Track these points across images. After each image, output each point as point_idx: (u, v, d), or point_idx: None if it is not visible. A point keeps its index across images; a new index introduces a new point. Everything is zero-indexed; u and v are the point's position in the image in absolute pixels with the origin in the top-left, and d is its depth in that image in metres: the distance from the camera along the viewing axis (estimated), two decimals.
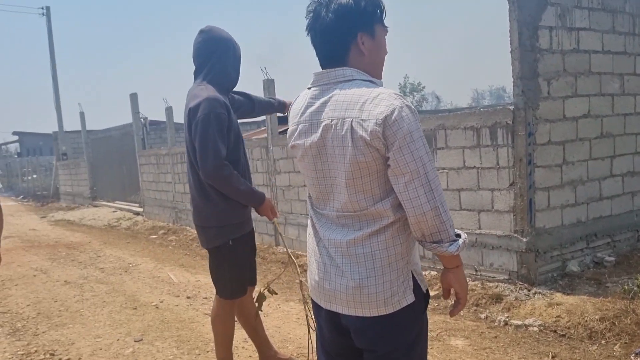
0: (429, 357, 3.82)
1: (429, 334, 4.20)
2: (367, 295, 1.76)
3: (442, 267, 1.86)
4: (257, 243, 8.11)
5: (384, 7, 1.85)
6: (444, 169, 5.48)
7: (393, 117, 1.65)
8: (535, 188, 4.91)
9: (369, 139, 1.67)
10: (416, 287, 1.81)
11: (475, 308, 4.76)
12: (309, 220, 1.97)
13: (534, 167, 4.88)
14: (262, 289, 3.50)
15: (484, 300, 4.81)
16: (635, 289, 3.96)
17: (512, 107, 4.90)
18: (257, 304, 3.47)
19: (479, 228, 5.25)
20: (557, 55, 5.05)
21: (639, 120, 5.84)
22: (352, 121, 1.70)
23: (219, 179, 3.08)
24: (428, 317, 4.86)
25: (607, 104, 5.50)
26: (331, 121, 1.75)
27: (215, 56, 3.22)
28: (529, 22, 4.84)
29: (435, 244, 1.72)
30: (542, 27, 4.93)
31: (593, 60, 5.35)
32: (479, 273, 5.28)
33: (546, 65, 4.96)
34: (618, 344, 3.75)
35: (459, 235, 1.76)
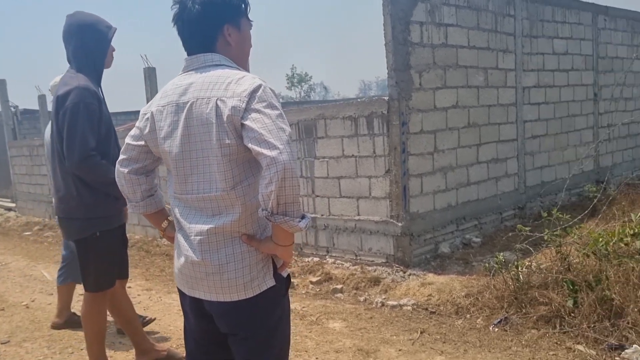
0: (307, 340, 3.94)
1: (308, 318, 4.33)
2: (227, 280, 1.78)
3: (272, 242, 1.78)
4: (140, 236, 7.95)
5: (248, 1, 1.94)
6: (324, 157, 5.61)
7: (257, 93, 1.70)
8: (409, 175, 5.17)
9: (232, 116, 1.69)
10: (276, 272, 1.86)
11: (355, 291, 4.94)
12: (171, 208, 1.95)
13: (408, 155, 5.13)
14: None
15: (363, 284, 5.00)
16: (496, 266, 4.30)
17: (387, 98, 5.11)
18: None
19: (358, 214, 5.45)
20: (427, 49, 5.33)
21: (501, 111, 6.32)
22: (217, 100, 1.73)
23: (86, 169, 2.99)
24: (308, 302, 4.93)
25: (473, 95, 5.90)
26: (196, 100, 1.77)
27: (75, 42, 3.11)
28: (401, 17, 5.07)
29: (286, 217, 1.64)
30: (413, 22, 5.18)
31: (460, 54, 5.71)
32: (358, 258, 5.49)
33: (418, 58, 5.22)
34: (480, 317, 4.07)
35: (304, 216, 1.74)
